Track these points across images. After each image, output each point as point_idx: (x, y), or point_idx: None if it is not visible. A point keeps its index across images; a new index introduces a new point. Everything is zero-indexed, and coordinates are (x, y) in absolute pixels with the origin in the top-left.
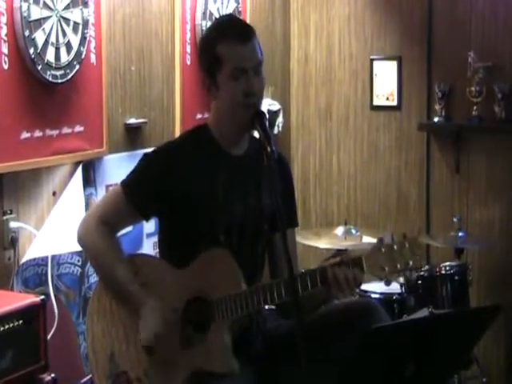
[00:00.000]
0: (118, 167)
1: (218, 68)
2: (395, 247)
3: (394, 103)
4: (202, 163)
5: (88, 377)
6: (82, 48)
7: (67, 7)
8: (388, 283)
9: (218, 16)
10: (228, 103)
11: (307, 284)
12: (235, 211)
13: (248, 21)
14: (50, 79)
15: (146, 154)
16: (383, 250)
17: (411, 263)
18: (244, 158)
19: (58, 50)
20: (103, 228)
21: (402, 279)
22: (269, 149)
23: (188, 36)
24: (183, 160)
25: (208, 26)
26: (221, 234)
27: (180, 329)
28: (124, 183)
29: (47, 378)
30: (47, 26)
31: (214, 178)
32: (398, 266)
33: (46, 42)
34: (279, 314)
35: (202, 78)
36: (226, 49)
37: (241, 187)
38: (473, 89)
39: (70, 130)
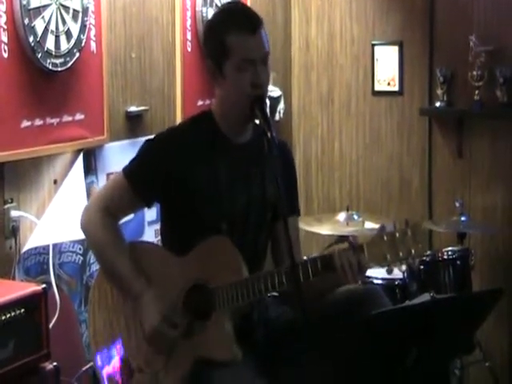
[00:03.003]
0: (119, 155)
1: (225, 57)
2: (397, 235)
3: (396, 88)
4: (203, 150)
5: (89, 365)
6: (81, 36)
7: None
8: (390, 271)
9: (218, 3)
10: (235, 94)
11: (309, 271)
12: (238, 200)
13: None
14: (50, 67)
15: (147, 141)
16: (385, 238)
17: (413, 251)
18: (247, 147)
19: (57, 37)
20: (105, 217)
21: (404, 265)
22: (269, 134)
23: (189, 23)
24: (183, 146)
25: (208, 11)
26: (223, 222)
27: (181, 318)
28: (126, 170)
29: (49, 366)
30: (47, 13)
31: (214, 166)
32: (401, 254)
33: (46, 30)
34: (282, 300)
35: (207, 64)
36: (234, 39)
37: (244, 176)
38: (474, 73)
39: (70, 118)
